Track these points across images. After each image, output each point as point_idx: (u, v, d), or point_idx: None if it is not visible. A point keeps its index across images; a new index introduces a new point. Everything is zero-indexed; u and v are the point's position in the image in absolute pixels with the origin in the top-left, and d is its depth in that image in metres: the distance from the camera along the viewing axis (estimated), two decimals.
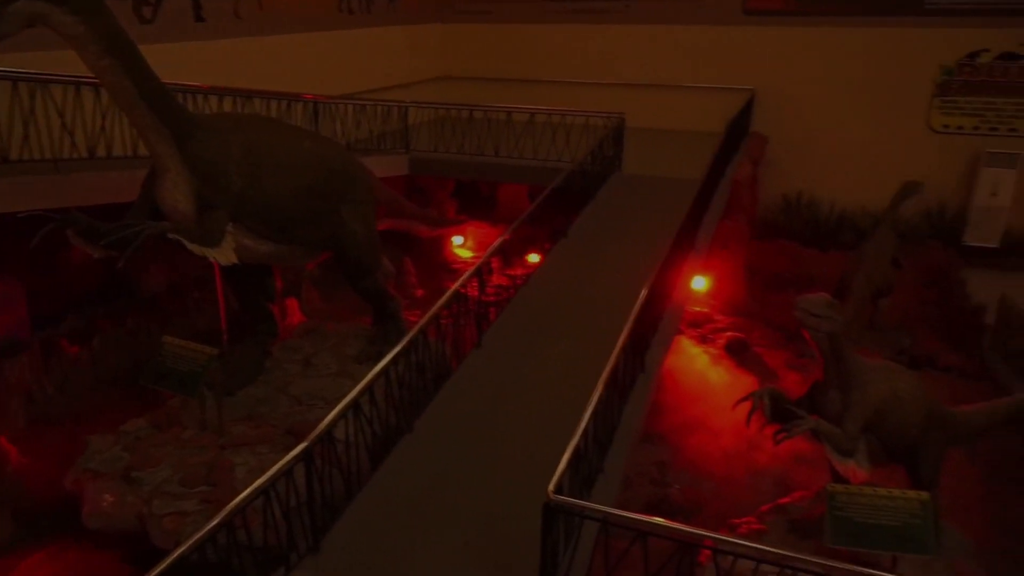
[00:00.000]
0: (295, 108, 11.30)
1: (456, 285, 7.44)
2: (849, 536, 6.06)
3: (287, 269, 10.00)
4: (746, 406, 6.33)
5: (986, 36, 14.97)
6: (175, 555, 4.41)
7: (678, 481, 8.61)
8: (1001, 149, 14.96)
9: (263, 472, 5.18)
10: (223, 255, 6.73)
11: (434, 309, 7.05)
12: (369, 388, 6.03)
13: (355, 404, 5.88)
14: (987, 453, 9.21)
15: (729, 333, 12.42)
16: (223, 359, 7.47)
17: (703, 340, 12.43)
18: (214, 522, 4.64)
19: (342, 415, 5.69)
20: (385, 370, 6.24)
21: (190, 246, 6.58)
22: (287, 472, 5.18)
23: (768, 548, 4.97)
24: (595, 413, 5.54)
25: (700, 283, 12.78)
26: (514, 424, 6.66)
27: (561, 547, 4.90)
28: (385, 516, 5.68)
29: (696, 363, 11.73)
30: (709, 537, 5.28)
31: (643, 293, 6.98)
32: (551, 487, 4.70)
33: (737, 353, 11.93)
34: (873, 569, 4.71)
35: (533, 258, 10.69)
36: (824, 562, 4.82)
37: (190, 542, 4.48)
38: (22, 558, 7.49)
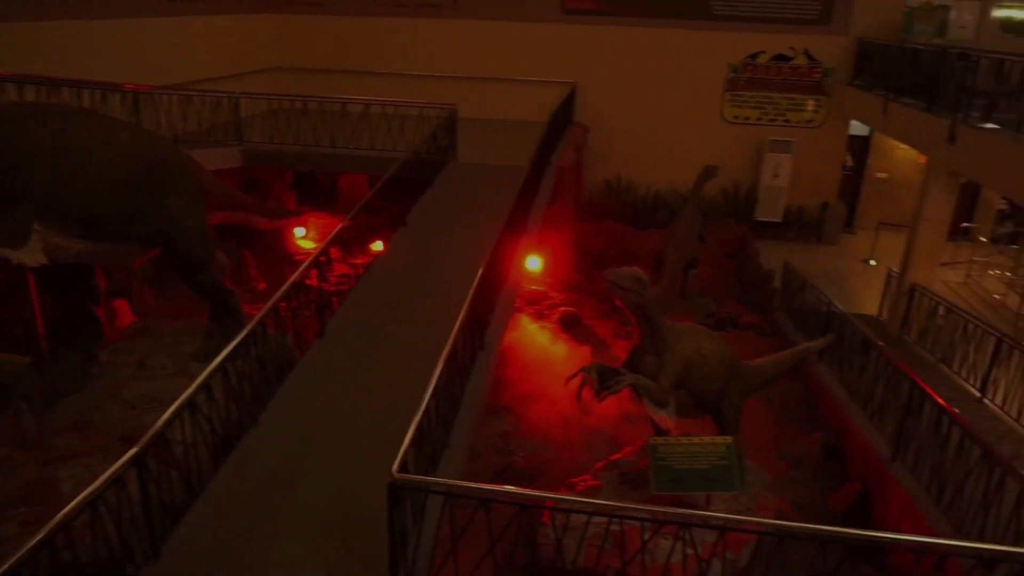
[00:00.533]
0: (112, 99, 10.24)
1: (295, 276, 7.07)
2: (671, 482, 6.41)
3: (114, 268, 9.10)
4: (576, 382, 6.50)
5: (763, 40, 16.37)
6: None
7: (522, 449, 8.73)
8: (779, 137, 16.46)
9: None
10: (30, 256, 5.97)
11: (272, 301, 6.66)
12: (206, 385, 5.60)
13: (191, 403, 5.44)
14: (778, 398, 10.08)
15: (563, 308, 12.76)
16: (42, 367, 6.67)
17: (540, 316, 12.69)
18: (31, 542, 4.11)
19: (176, 415, 5.25)
20: (223, 365, 5.83)
21: None
22: (117, 480, 4.69)
23: (601, 502, 5.14)
24: (436, 391, 5.46)
25: (535, 263, 13.01)
26: (360, 409, 6.45)
27: (409, 523, 4.79)
28: (230, 514, 5.31)
29: (535, 338, 11.94)
30: (548, 497, 5.39)
31: (478, 274, 6.96)
32: (395, 467, 4.57)
33: (571, 326, 12.27)
34: (692, 509, 4.98)
35: (376, 246, 10.41)
36: (650, 508, 5.05)
37: (4, 567, 3.94)
38: None
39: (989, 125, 10.15)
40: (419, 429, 5.06)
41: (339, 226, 8.22)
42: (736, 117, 16.99)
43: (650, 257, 12.79)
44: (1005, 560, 4.84)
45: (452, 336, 6.01)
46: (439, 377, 5.53)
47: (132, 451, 4.80)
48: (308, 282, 7.54)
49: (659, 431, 7.10)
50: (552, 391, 9.99)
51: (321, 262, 7.63)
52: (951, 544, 5.37)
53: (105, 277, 8.66)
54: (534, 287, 13.45)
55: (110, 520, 4.67)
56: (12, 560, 3.99)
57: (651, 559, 5.93)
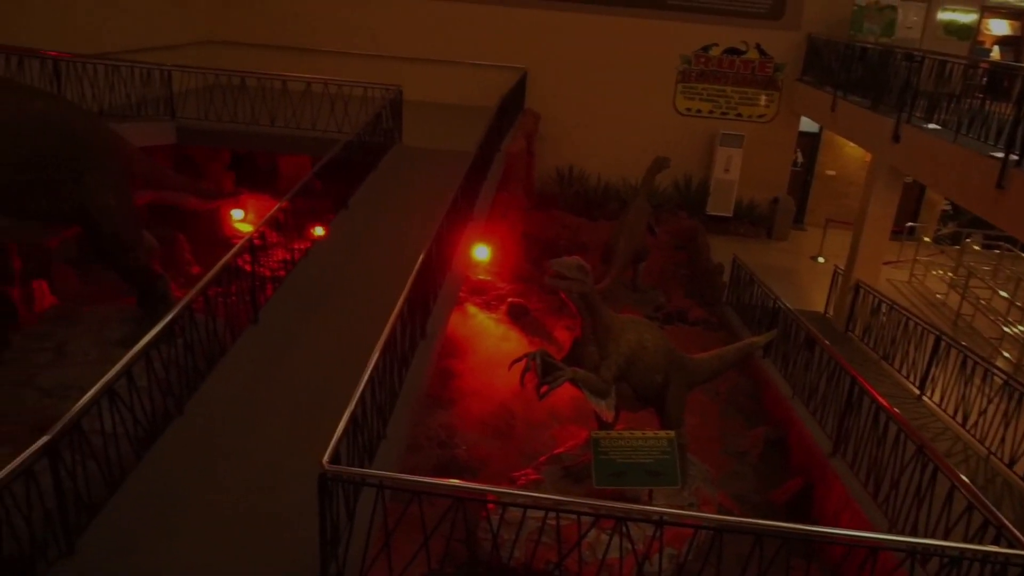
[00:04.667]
0: (30, 65, 9.81)
1: (226, 258, 6.90)
2: (612, 476, 6.49)
3: (31, 247, 8.71)
4: (519, 366, 6.52)
5: (716, 32, 16.68)
6: None
7: (465, 442, 8.72)
8: (731, 131, 16.79)
9: None
10: None
11: (200, 284, 6.50)
12: (127, 372, 5.43)
13: (110, 390, 5.27)
14: (724, 392, 10.30)
15: (511, 299, 12.78)
16: None
17: (487, 306, 12.68)
18: None
19: (93, 402, 5.08)
20: (146, 351, 5.66)
21: None
22: (26, 471, 4.51)
23: (539, 495, 5.17)
24: (372, 380, 5.42)
25: (482, 252, 12.99)
26: (293, 399, 6.35)
27: (342, 517, 4.75)
28: (152, 506, 5.18)
29: (481, 328, 11.93)
30: (486, 491, 5.40)
31: (419, 260, 6.92)
32: (326, 458, 4.53)
33: (518, 317, 12.29)
34: (633, 504, 5.06)
35: (318, 231, 10.25)
36: (589, 502, 5.11)
37: None
38: None
39: (931, 125, 10.54)
40: (352, 419, 5.02)
41: (275, 208, 8.06)
42: (688, 110, 17.25)
43: (600, 248, 12.90)
44: (935, 554, 5.06)
45: (390, 322, 5.96)
46: (375, 365, 5.49)
47: (43, 439, 4.62)
48: (243, 266, 7.38)
49: (603, 425, 7.19)
50: (497, 384, 10.00)
51: (256, 245, 7.47)
52: (882, 538, 5.59)
53: (20, 257, 8.32)
54: (481, 276, 13.44)
55: (19, 514, 4.50)
56: None
57: (591, 554, 6.01)
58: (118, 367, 5.33)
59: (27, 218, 6.67)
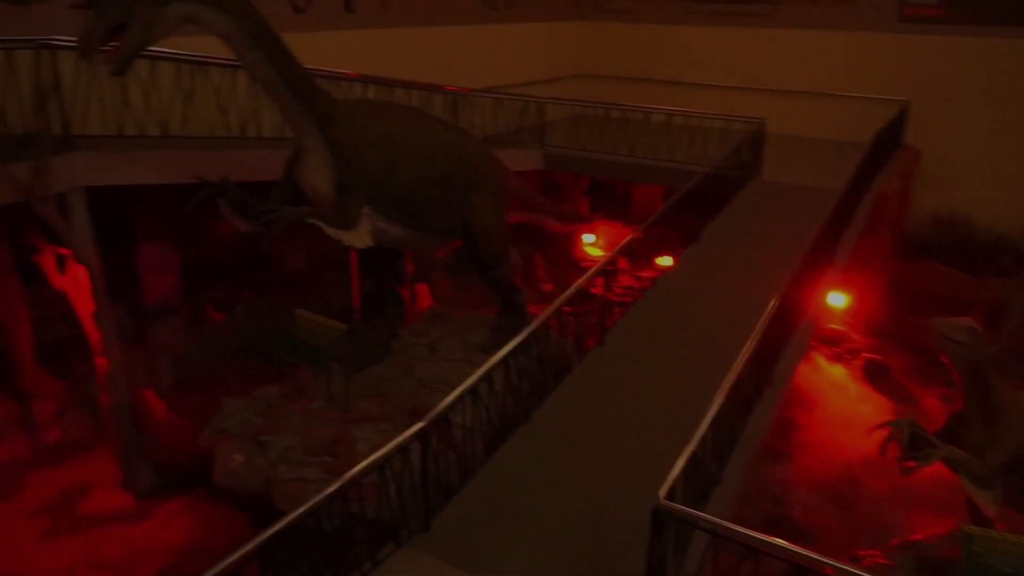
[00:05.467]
0: (435, 98, 11.52)
1: (581, 281, 7.32)
2: None
3: (420, 255, 10.21)
4: (882, 434, 5.86)
5: None
6: (290, 517, 4.53)
7: (800, 502, 8.12)
8: None
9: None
10: (358, 238, 6.91)
11: (557, 303, 6.97)
12: (488, 375, 6.03)
13: (473, 390, 5.88)
14: None
15: (867, 354, 11.64)
16: (353, 336, 7.70)
17: (838, 359, 11.71)
18: (329, 490, 4.75)
19: (460, 399, 5.71)
20: (505, 359, 6.22)
21: (327, 230, 6.82)
22: (403, 450, 5.23)
23: None
24: (714, 422, 5.29)
25: (838, 300, 12.03)
26: (630, 424, 6.49)
27: (669, 556, 4.69)
28: (495, 503, 5.65)
29: (830, 382, 11.05)
30: (830, 565, 4.92)
31: (772, 304, 6.62)
32: (663, 492, 4.51)
33: (875, 376, 11.15)
34: None
35: (664, 260, 10.41)
36: None
37: (305, 507, 4.60)
38: (159, 505, 8.03)
39: None
40: (692, 459, 4.94)
41: (630, 237, 8.35)
42: None
43: (987, 309, 11.11)
44: None
45: (737, 366, 5.78)
46: (719, 407, 5.35)
47: (419, 425, 5.32)
48: (593, 290, 7.78)
49: (978, 519, 6.14)
50: (843, 445, 9.15)
51: (608, 271, 7.82)
52: None
53: (412, 263, 9.76)
54: (835, 326, 12.44)
55: (393, 484, 5.24)
56: (311, 504, 4.65)
57: None
58: (482, 371, 5.93)
59: (423, 230, 7.80)
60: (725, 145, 11.70)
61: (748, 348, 5.99)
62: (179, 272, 10.00)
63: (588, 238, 14.88)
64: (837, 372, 11.07)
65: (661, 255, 11.79)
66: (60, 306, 8.22)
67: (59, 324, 9.05)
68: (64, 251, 7.51)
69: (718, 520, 4.84)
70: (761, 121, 12.23)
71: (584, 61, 17.94)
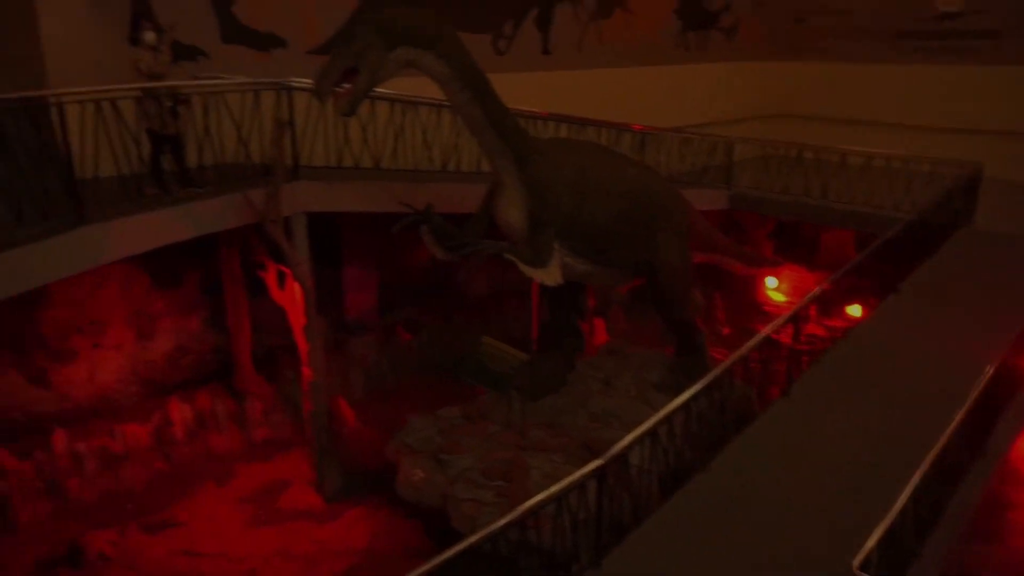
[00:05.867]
0: (624, 137, 11.68)
1: (769, 328, 7.11)
2: None
3: (599, 290, 10.34)
4: None
5: None
6: (472, 540, 4.76)
7: None
8: None
9: (556, 479, 5.39)
10: (550, 276, 7.15)
11: (743, 350, 6.80)
12: (669, 418, 5.99)
13: (653, 432, 5.87)
14: None
15: None
16: (533, 366, 7.92)
17: None
18: (509, 518, 4.92)
19: (639, 440, 5.72)
20: (687, 403, 6.16)
21: (522, 267, 7.12)
22: (580, 485, 5.32)
23: None
24: (916, 492, 4.93)
25: None
26: (815, 482, 6.15)
27: None
28: (668, 549, 5.57)
29: None
30: None
31: (988, 370, 6.08)
32: (856, 562, 4.29)
33: None
34: None
35: (853, 310, 9.81)
36: None
37: (486, 531, 4.80)
38: (344, 510, 8.61)
39: None
40: (889, 530, 4.64)
41: (823, 284, 7.99)
42: None
43: None
44: None
45: (946, 434, 5.37)
46: (922, 477, 4.99)
47: (597, 462, 5.38)
48: (779, 337, 7.50)
49: None
50: None
51: (799, 319, 7.51)
52: None
53: (592, 297, 9.91)
54: None
55: (568, 518, 5.33)
56: (492, 528, 4.85)
57: None
58: (663, 412, 5.91)
59: (608, 266, 7.93)
60: (930, 190, 10.89)
61: (959, 415, 5.54)
62: (377, 292, 10.80)
63: (771, 282, 14.33)
64: None
65: (851, 304, 11.13)
66: (275, 317, 9.14)
67: (272, 333, 10.08)
68: (285, 269, 8.36)
69: None
70: (977, 164, 11.29)
71: (776, 101, 17.43)
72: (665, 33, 15.08)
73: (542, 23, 12.83)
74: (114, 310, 9.32)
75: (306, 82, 7.76)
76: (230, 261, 9.52)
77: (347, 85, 6.38)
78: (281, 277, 8.53)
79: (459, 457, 7.39)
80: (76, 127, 6.56)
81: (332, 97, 6.39)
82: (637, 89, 13.93)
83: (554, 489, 5.23)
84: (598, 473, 5.40)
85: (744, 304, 13.56)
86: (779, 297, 13.94)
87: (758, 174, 13.11)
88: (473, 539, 4.79)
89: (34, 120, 6.33)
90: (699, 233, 9.22)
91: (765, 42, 17.26)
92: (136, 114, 7.27)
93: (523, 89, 10.62)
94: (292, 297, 8.44)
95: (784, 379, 7.48)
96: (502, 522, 4.93)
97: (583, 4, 13.40)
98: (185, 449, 9.38)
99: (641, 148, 11.94)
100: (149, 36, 7.40)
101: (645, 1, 14.38)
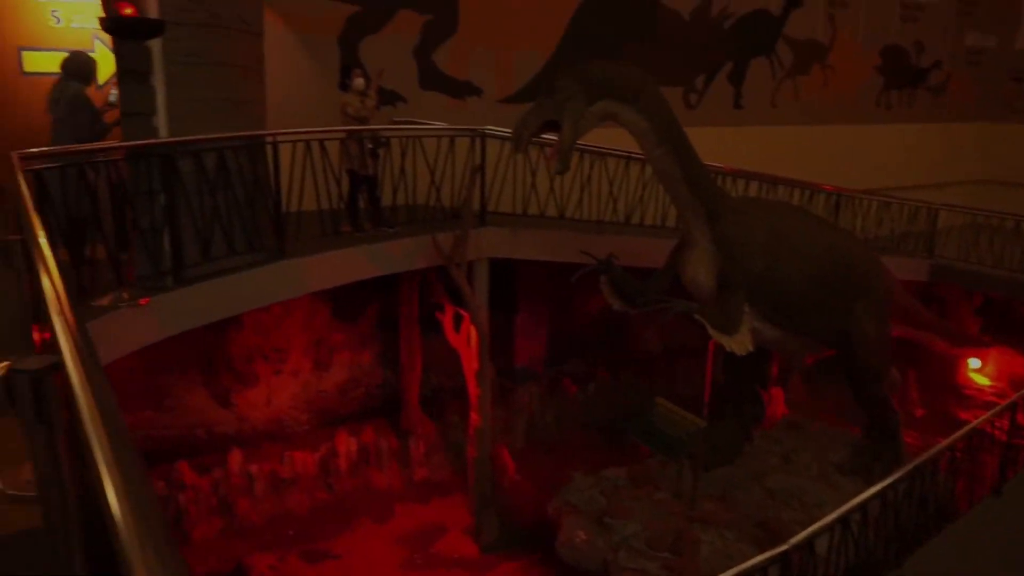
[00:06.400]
0: (817, 198, 11.13)
1: (983, 419, 6.38)
2: None
3: (784, 357, 9.77)
4: None
5: None
6: None
7: None
8: None
9: (727, 556, 5.09)
10: (739, 344, 6.72)
11: (951, 439, 6.13)
12: (863, 505, 5.47)
13: (845, 519, 5.37)
14: None
15: None
16: (709, 432, 7.56)
17: None
18: None
19: (829, 527, 5.25)
20: (883, 491, 5.60)
21: (711, 331, 6.78)
22: (761, 569, 4.93)
23: None
24: None
25: None
26: None
27: None
28: None
29: None
30: None
31: None
32: None
33: None
34: None
35: None
36: None
37: None
38: (499, 562, 8.52)
39: None
40: None
41: None
42: None
43: None
44: None
45: None
46: None
47: (782, 547, 4.96)
48: (991, 429, 6.71)
49: None
50: None
51: (1017, 410, 6.68)
52: None
53: (776, 365, 9.39)
54: None
55: None
56: None
57: None
58: (859, 499, 5.40)
59: (799, 334, 7.45)
60: None
61: None
62: (545, 342, 10.82)
63: (974, 363, 12.98)
64: None
65: None
66: (445, 359, 9.36)
67: (440, 374, 10.34)
68: (463, 312, 8.58)
69: None
70: None
71: (987, 165, 16.03)
72: (865, 91, 14.39)
73: (735, 78, 12.63)
74: (296, 339, 9.81)
75: (500, 130, 8.02)
76: (409, 300, 9.89)
77: (548, 136, 6.48)
78: (458, 320, 8.75)
79: (624, 523, 7.10)
80: (287, 164, 7.06)
81: (541, 155, 6.43)
82: (832, 148, 13.31)
83: (735, 571, 4.88)
84: (781, 559, 5.00)
85: (942, 385, 12.33)
86: (983, 380, 12.57)
87: (965, 244, 12.02)
88: None
89: (251, 156, 6.87)
90: (901, 305, 8.53)
91: (977, 102, 15.99)
92: (340, 154, 7.80)
93: (712, 143, 10.44)
94: (467, 341, 8.62)
95: (994, 475, 6.67)
96: None
97: (780, 60, 13.08)
98: (347, 481, 9.62)
99: (836, 210, 11.31)
100: (359, 82, 7.97)
101: (845, 58, 13.81)
